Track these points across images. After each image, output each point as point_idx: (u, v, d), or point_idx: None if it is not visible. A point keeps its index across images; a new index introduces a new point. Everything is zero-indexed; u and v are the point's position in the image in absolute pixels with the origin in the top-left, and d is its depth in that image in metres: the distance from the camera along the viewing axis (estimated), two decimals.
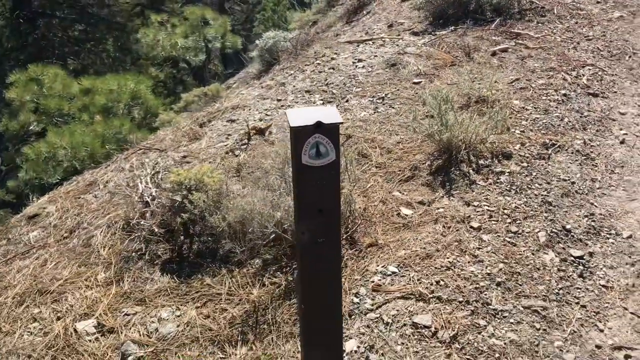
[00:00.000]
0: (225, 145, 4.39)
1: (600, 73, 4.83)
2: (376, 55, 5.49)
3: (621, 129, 4.08)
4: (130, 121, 8.64)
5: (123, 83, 8.95)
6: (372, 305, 2.62)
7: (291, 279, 2.82)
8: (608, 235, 3.05)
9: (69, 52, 14.75)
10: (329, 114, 1.76)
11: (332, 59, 5.67)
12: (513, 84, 4.58)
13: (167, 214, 3.26)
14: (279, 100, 5.00)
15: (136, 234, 3.30)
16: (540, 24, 5.72)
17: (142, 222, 3.34)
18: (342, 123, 1.78)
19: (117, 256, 3.20)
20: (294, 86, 5.20)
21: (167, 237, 3.25)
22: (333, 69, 5.39)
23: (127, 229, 3.40)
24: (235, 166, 3.99)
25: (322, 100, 4.82)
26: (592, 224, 3.11)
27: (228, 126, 4.76)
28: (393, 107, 4.49)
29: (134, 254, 3.20)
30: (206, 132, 4.79)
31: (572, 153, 3.70)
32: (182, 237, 3.20)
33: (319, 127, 1.71)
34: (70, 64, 14.03)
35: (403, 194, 3.43)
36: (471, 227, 3.04)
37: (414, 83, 4.82)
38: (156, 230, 3.26)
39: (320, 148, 1.74)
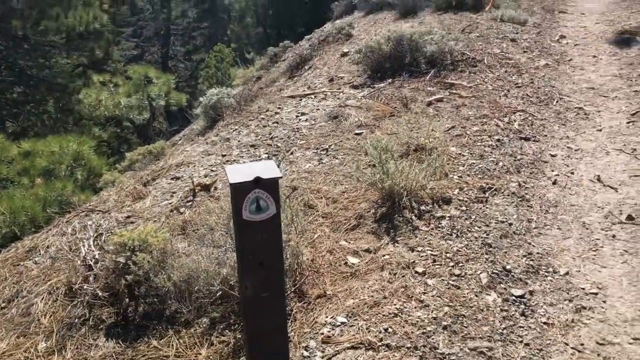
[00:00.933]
0: (170, 203, 4.37)
1: (530, 118, 5.13)
2: (318, 109, 5.65)
3: (553, 170, 4.33)
4: (73, 183, 8.47)
5: (65, 144, 8.81)
6: (323, 358, 2.62)
7: (239, 336, 2.80)
8: (546, 273, 3.18)
9: (7, 115, 14.42)
10: (268, 169, 1.83)
11: (276, 113, 5.80)
12: (449, 131, 4.80)
13: (111, 276, 3.20)
14: (223, 155, 5.04)
15: (79, 299, 3.21)
16: (472, 74, 6.06)
17: (85, 287, 3.25)
18: (281, 177, 1.84)
19: (59, 324, 3.09)
20: (238, 141, 5.27)
21: (112, 300, 3.17)
22: (277, 123, 5.51)
23: (69, 295, 3.30)
24: (180, 224, 3.97)
25: (267, 153, 4.90)
26: (531, 263, 3.25)
27: (173, 184, 4.75)
28: (337, 158, 4.61)
29: (77, 320, 3.10)
30: (150, 190, 4.76)
31: (508, 195, 3.88)
32: (127, 300, 3.13)
33: (258, 182, 1.77)
34: (9, 126, 13.70)
35: (350, 242, 3.50)
36: (416, 272, 3.12)
37: (356, 134, 4.97)
38: (100, 294, 3.18)
39: (260, 203, 1.79)
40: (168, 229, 3.89)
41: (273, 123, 5.51)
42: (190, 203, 4.28)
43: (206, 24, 28.33)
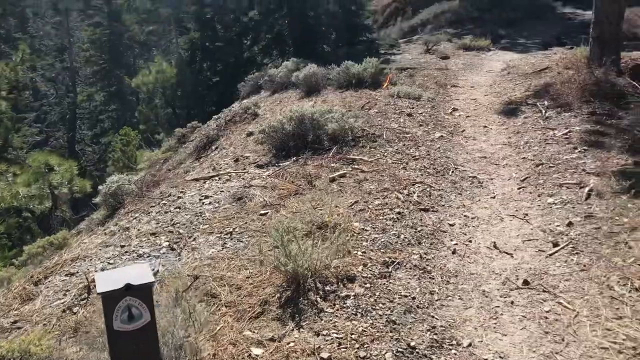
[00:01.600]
0: (63, 303, 4.08)
1: (428, 189, 5.33)
2: (223, 191, 5.61)
3: (452, 240, 4.47)
4: None
5: None
6: None
7: None
8: (450, 347, 3.21)
9: None
10: (141, 274, 1.74)
11: (179, 197, 5.68)
12: (352, 206, 4.88)
13: None
14: (122, 246, 4.83)
15: None
16: (372, 149, 6.28)
17: None
18: (154, 282, 1.76)
19: None
20: (138, 230, 5.09)
21: None
22: (179, 208, 5.39)
23: None
24: (73, 325, 3.70)
25: (168, 241, 4.74)
26: (435, 337, 3.26)
27: (67, 281, 4.46)
28: (241, 241, 4.54)
29: None
30: (42, 290, 4.44)
31: (410, 268, 3.94)
32: None
33: (129, 289, 1.68)
34: None
35: (254, 332, 3.38)
36: (322, 358, 3.05)
37: (261, 214, 4.95)
38: None
39: (132, 311, 1.69)
40: (59, 332, 3.62)
41: (175, 208, 5.39)
42: (84, 301, 4.02)
43: (114, 106, 27.94)
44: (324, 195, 5.11)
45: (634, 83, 8.09)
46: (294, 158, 6.12)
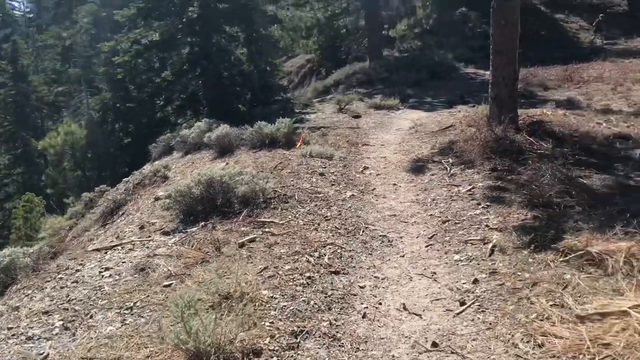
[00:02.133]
0: None
1: (339, 250, 5.29)
2: (124, 261, 5.30)
3: (362, 303, 4.40)
4: None
5: None
6: None
7: None
8: None
9: None
10: None
11: (77, 270, 5.31)
12: (262, 273, 4.73)
13: None
14: (10, 328, 4.39)
15: None
16: (284, 210, 6.21)
17: None
18: None
19: None
20: (29, 309, 4.66)
21: None
22: (77, 282, 5.02)
23: None
24: None
25: (62, 320, 4.36)
26: None
27: None
28: (142, 317, 4.25)
29: None
30: None
31: (319, 337, 3.82)
32: None
33: None
34: None
35: None
36: None
37: (165, 286, 4.69)
38: None
39: None
40: None
41: (72, 283, 5.01)
42: None
43: (19, 169, 26.50)
44: (232, 262, 4.93)
45: (530, 139, 8.60)
46: (202, 223, 5.93)
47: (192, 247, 5.39)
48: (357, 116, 13.48)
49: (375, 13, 21.30)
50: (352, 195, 6.95)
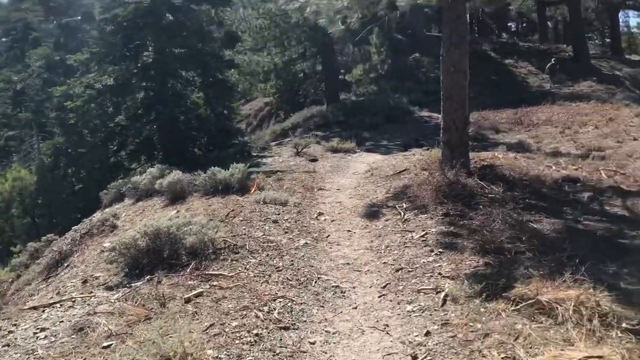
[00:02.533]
0: None
1: (290, 304, 5.12)
2: (62, 321, 5.00)
3: None
4: None
5: None
6: None
7: None
8: None
9: None
10: None
11: (10, 332, 4.97)
12: (207, 331, 4.52)
13: None
14: None
15: None
16: (234, 261, 6.02)
17: None
18: None
19: None
20: None
21: None
22: (8, 345, 4.69)
23: None
24: None
25: None
26: None
27: None
28: None
29: None
30: None
31: None
32: None
33: None
34: None
35: None
36: None
37: (104, 347, 4.41)
38: None
39: None
40: None
41: (4, 346, 4.68)
42: None
43: None
44: (176, 319, 4.70)
45: (482, 183, 8.70)
46: (148, 277, 5.68)
47: (135, 303, 5.13)
48: (314, 160, 13.48)
49: (331, 58, 21.68)
50: (306, 243, 6.83)
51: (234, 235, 6.75)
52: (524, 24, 40.64)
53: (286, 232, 7.13)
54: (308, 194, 9.43)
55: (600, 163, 10.82)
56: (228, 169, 9.75)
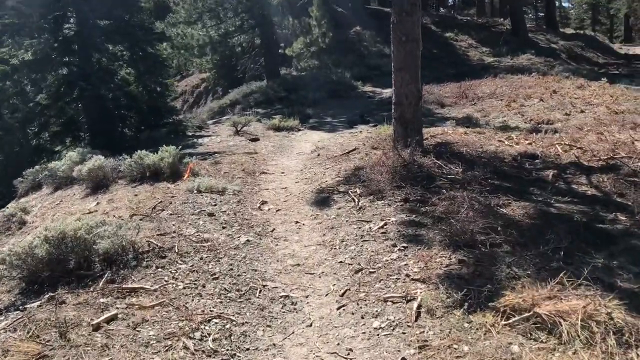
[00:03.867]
0: None
1: (229, 325, 4.02)
2: None
3: None
4: None
5: None
6: None
7: None
8: None
9: None
10: None
11: None
12: None
13: None
14: None
15: None
16: (160, 269, 4.83)
17: None
18: None
19: None
20: None
21: None
22: None
23: None
24: None
25: None
26: None
27: None
28: None
29: None
30: None
31: None
32: None
33: None
34: None
35: None
36: None
37: None
38: None
39: None
40: None
41: None
42: None
43: None
44: (81, 356, 3.51)
45: (439, 162, 7.82)
46: (49, 295, 4.40)
47: (27, 334, 3.88)
48: (255, 139, 12.26)
49: (270, 31, 20.27)
50: (247, 240, 5.70)
51: (161, 234, 5.54)
52: None
53: (224, 227, 5.97)
54: (249, 179, 8.26)
55: (553, 137, 10.16)
56: (158, 152, 8.44)
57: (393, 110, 8.70)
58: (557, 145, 9.19)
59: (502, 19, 28.99)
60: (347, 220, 6.10)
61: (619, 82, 17.37)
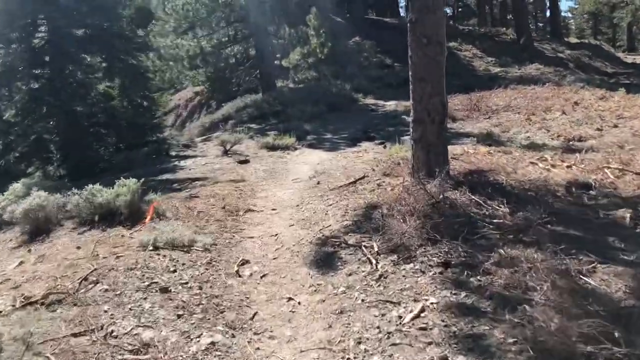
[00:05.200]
0: None
1: None
2: None
3: None
4: None
5: None
6: None
7: None
8: None
9: None
10: None
11: None
12: None
13: None
14: None
15: None
16: None
17: None
18: None
19: None
20: None
21: None
22: None
23: None
24: None
25: None
26: None
27: None
28: None
29: None
30: None
31: None
32: None
33: None
34: None
35: None
36: None
37: None
38: None
39: None
40: None
41: None
42: None
43: None
44: None
45: (475, 198, 5.71)
46: None
47: None
48: (245, 161, 10.12)
49: (265, 41, 18.16)
50: (212, 343, 3.51)
51: (77, 334, 3.36)
52: (460, 9, 38.27)
53: (180, 316, 3.78)
54: (230, 221, 6.08)
55: (595, 159, 8.05)
56: (115, 186, 6.28)
57: (412, 130, 6.60)
58: (605, 170, 7.10)
59: (504, 29, 26.94)
60: (363, 299, 3.93)
61: (634, 92, 15.32)
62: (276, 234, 5.64)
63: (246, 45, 18.58)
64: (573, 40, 29.39)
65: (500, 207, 5.47)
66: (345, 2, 28.12)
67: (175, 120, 22.23)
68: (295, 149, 11.43)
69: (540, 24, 31.02)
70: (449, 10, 39.46)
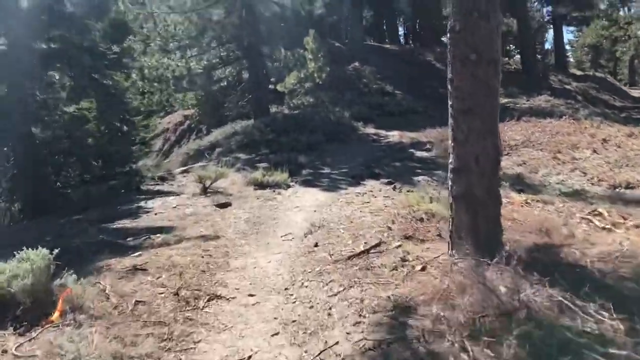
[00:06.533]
0: None
1: None
2: None
3: None
4: None
5: None
6: None
7: None
8: None
9: None
10: None
11: None
12: None
13: None
14: None
15: None
16: None
17: None
18: None
19: None
20: None
21: None
22: None
23: None
24: None
25: None
26: None
27: None
28: None
29: None
30: None
31: None
32: None
33: None
34: None
35: None
36: None
37: None
38: None
39: None
40: None
41: None
42: None
43: None
44: None
45: (559, 298, 3.54)
46: None
47: None
48: (225, 204, 7.87)
49: (259, 64, 16.03)
50: None
51: None
52: None
53: None
54: (179, 324, 3.75)
55: None
56: (15, 259, 3.98)
57: (451, 182, 4.44)
58: None
59: (507, 59, 25.09)
60: None
61: None
62: (249, 357, 3.32)
63: (239, 67, 16.46)
64: (577, 72, 27.59)
65: (603, 318, 3.28)
66: (344, 27, 26.25)
67: (163, 145, 19.98)
68: (288, 186, 9.21)
69: (539, 56, 29.35)
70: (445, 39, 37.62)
